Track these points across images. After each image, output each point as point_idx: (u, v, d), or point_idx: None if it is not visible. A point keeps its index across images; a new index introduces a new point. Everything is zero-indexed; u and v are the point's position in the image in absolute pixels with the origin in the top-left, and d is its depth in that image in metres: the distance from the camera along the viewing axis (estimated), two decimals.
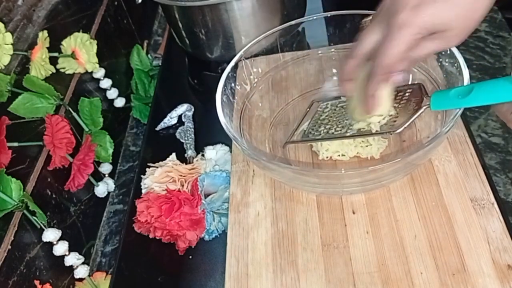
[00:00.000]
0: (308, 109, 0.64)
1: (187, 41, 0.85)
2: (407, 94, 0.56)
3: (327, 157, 0.60)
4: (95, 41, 0.73)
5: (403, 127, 0.53)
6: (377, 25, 0.45)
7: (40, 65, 0.65)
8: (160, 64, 0.92)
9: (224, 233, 0.61)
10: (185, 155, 0.71)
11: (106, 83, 0.81)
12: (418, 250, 0.50)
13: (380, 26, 0.45)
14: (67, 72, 0.72)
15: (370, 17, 0.51)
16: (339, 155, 0.59)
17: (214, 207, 0.62)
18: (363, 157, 0.58)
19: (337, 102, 0.62)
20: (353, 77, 0.50)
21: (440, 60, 0.57)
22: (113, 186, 0.77)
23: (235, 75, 0.63)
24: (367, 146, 0.58)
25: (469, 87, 0.47)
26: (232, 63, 0.62)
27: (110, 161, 0.74)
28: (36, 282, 0.57)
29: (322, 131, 0.59)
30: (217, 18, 0.77)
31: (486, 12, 0.42)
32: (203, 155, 0.70)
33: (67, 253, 0.61)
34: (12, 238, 0.54)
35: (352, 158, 0.59)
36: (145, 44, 1.00)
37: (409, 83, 0.62)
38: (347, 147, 0.59)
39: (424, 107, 0.52)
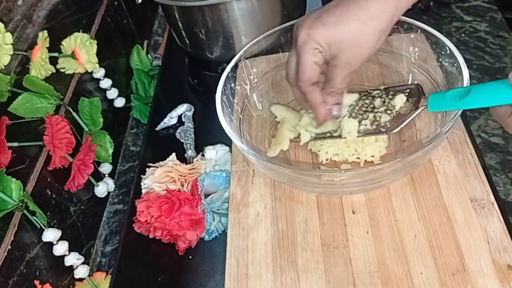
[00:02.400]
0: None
1: (187, 41, 0.85)
2: (404, 94, 0.56)
3: (327, 159, 0.60)
4: (95, 41, 0.73)
5: (399, 128, 0.53)
6: (292, 52, 0.53)
7: (40, 65, 0.65)
8: (160, 64, 0.92)
9: (224, 233, 0.61)
10: (185, 155, 0.71)
11: (106, 83, 0.81)
12: (418, 250, 0.50)
13: (293, 52, 0.52)
14: (67, 72, 0.72)
15: None
16: (339, 159, 0.59)
17: (214, 207, 0.62)
18: (362, 159, 0.58)
19: None
20: (305, 99, 0.55)
21: (440, 60, 0.57)
22: (113, 186, 0.77)
23: (235, 75, 0.63)
24: (367, 146, 0.58)
25: (466, 89, 0.47)
26: (232, 63, 0.62)
27: (110, 161, 0.74)
28: (36, 282, 0.57)
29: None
30: (217, 18, 0.77)
31: (375, 45, 0.49)
32: (203, 155, 0.70)
33: (67, 253, 0.61)
34: (12, 238, 0.54)
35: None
36: (145, 44, 1.00)
37: (409, 83, 0.62)
38: (346, 151, 0.58)
39: (421, 108, 0.52)
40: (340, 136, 0.57)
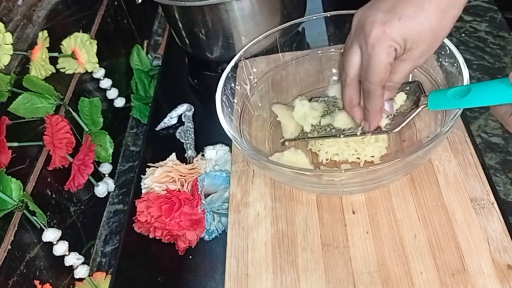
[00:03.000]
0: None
1: (187, 41, 0.85)
2: (404, 92, 0.56)
3: (327, 159, 0.59)
4: (95, 41, 0.73)
5: (400, 127, 0.53)
6: (354, 48, 0.47)
7: (40, 65, 0.65)
8: (160, 64, 0.92)
9: (224, 233, 0.61)
10: (185, 155, 0.71)
11: (106, 83, 0.81)
12: (418, 250, 0.50)
13: (356, 48, 0.47)
14: (67, 72, 0.72)
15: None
16: (339, 159, 0.59)
17: (214, 207, 0.62)
18: (362, 159, 0.58)
19: (333, 99, 0.62)
20: (357, 102, 0.51)
21: (440, 60, 0.57)
22: (113, 186, 0.77)
23: (235, 75, 0.63)
24: (367, 146, 0.58)
25: (466, 88, 0.47)
26: (232, 63, 0.62)
27: (110, 161, 0.74)
28: (36, 282, 0.57)
29: (319, 130, 0.59)
30: (217, 18, 0.77)
31: (450, 30, 0.45)
32: (203, 155, 0.70)
33: (67, 253, 0.61)
34: (12, 238, 0.54)
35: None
36: (145, 44, 1.00)
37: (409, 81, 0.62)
38: (346, 151, 0.58)
39: (421, 107, 0.52)
40: (338, 135, 0.57)
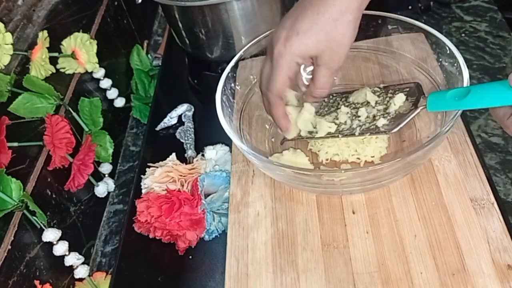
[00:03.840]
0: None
1: (187, 41, 0.85)
2: (404, 94, 0.56)
3: (327, 160, 0.59)
4: (95, 41, 0.73)
5: (399, 127, 0.53)
6: (267, 61, 0.53)
7: (40, 65, 0.65)
8: (160, 64, 0.92)
9: (224, 233, 0.61)
10: (185, 155, 0.71)
11: (106, 83, 0.81)
12: (418, 250, 0.50)
13: (268, 62, 0.53)
14: (67, 72, 0.72)
15: None
16: (339, 159, 0.59)
17: (214, 207, 0.62)
18: (362, 160, 0.58)
19: (333, 98, 0.62)
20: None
21: (440, 60, 0.57)
22: (113, 186, 0.77)
23: (235, 75, 0.63)
24: (367, 146, 0.58)
25: (466, 90, 0.47)
26: (232, 63, 0.62)
27: (110, 161, 0.74)
28: (36, 282, 0.57)
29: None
30: (217, 18, 0.77)
31: (352, 35, 0.49)
32: (203, 155, 0.70)
33: (67, 253, 0.61)
34: (12, 238, 0.54)
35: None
36: (145, 44, 1.00)
37: (408, 82, 0.62)
38: (346, 151, 0.58)
39: (420, 108, 0.52)
40: (337, 135, 0.57)
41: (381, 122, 0.54)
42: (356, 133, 0.55)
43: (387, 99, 0.57)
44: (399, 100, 0.55)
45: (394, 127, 0.53)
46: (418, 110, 0.52)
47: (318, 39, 0.48)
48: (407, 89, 0.56)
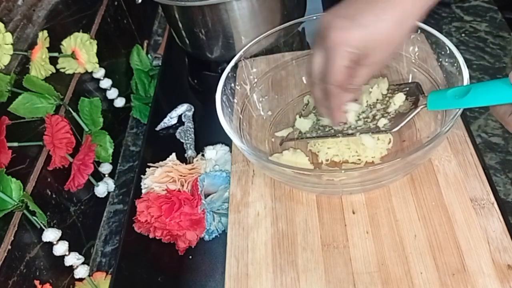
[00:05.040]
0: (304, 106, 0.64)
1: (187, 41, 0.85)
2: (403, 93, 0.56)
3: (327, 160, 0.59)
4: (95, 41, 0.73)
5: (399, 127, 0.53)
6: (318, 50, 0.51)
7: (40, 65, 0.65)
8: (160, 64, 0.92)
9: (224, 233, 0.61)
10: (185, 155, 0.71)
11: (106, 83, 0.81)
12: (418, 250, 0.50)
13: (320, 51, 0.50)
14: (67, 72, 0.72)
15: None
16: (339, 160, 0.59)
17: (214, 207, 0.62)
18: (363, 160, 0.58)
19: None
20: (324, 100, 0.54)
21: (440, 60, 0.57)
22: (113, 186, 0.77)
23: (235, 75, 0.63)
24: (367, 147, 0.58)
25: (466, 88, 0.47)
26: (232, 63, 0.62)
27: (110, 161, 0.74)
28: (36, 282, 0.57)
29: (318, 130, 0.59)
30: (217, 18, 0.77)
31: (406, 38, 0.49)
32: (203, 155, 0.70)
33: (67, 253, 0.61)
34: (12, 238, 0.54)
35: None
36: (145, 44, 1.00)
37: (407, 81, 0.62)
38: (346, 153, 0.58)
39: (421, 107, 0.52)
40: (337, 135, 0.57)
41: (382, 122, 0.54)
42: (357, 134, 0.55)
43: (387, 98, 0.57)
44: (399, 99, 0.55)
45: (395, 127, 0.53)
46: (418, 109, 0.52)
47: (379, 37, 0.47)
48: (407, 89, 0.56)
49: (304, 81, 0.68)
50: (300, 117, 0.62)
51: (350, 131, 0.56)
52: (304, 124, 0.61)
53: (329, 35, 0.47)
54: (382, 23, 0.46)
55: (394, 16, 0.46)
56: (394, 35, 0.47)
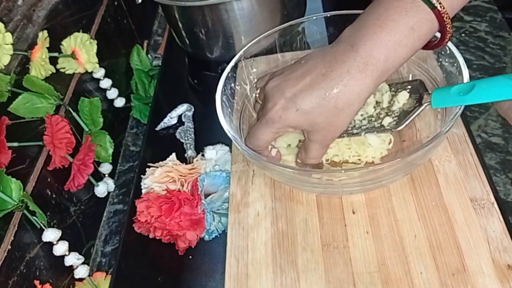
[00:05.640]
0: None
1: (187, 41, 0.85)
2: (407, 91, 0.56)
3: (327, 160, 0.59)
4: (95, 41, 0.73)
5: (404, 125, 0.52)
6: (260, 106, 0.53)
7: (40, 65, 0.65)
8: (160, 64, 0.92)
9: (224, 233, 0.61)
10: (185, 155, 0.71)
11: (106, 83, 0.81)
12: (418, 250, 0.50)
13: (260, 109, 0.52)
14: (67, 72, 0.72)
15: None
16: (339, 160, 0.59)
17: (214, 207, 0.62)
18: (363, 161, 0.58)
19: None
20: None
21: (440, 60, 0.57)
22: (113, 186, 0.77)
23: (235, 75, 0.63)
24: (368, 147, 0.58)
25: (470, 84, 0.47)
26: (232, 63, 0.62)
27: (110, 161, 0.74)
28: (36, 282, 0.57)
29: None
30: (217, 18, 0.77)
31: (350, 120, 0.48)
32: (203, 155, 0.70)
33: (67, 253, 0.61)
34: (12, 238, 0.54)
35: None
36: (145, 44, 1.00)
37: (411, 79, 0.62)
38: (347, 153, 0.58)
39: (425, 104, 0.52)
40: (342, 135, 0.56)
41: (387, 120, 0.54)
42: (362, 134, 0.55)
43: (390, 96, 0.57)
44: (403, 97, 0.55)
45: (400, 125, 0.53)
46: (423, 107, 0.52)
47: (316, 121, 0.47)
48: (410, 87, 0.56)
49: None
50: None
51: (355, 131, 0.56)
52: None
53: (270, 109, 0.49)
54: (321, 109, 0.46)
55: (335, 103, 0.46)
56: (335, 120, 0.47)
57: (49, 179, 0.63)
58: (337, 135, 0.50)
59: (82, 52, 0.72)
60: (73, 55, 0.72)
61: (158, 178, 0.65)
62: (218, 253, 0.59)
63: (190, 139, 0.74)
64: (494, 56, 0.81)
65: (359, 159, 0.58)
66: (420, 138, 0.58)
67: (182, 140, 0.74)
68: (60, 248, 0.60)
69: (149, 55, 0.95)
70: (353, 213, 0.54)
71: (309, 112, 0.47)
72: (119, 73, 0.88)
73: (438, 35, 0.47)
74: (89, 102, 0.73)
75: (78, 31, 0.73)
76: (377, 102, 0.57)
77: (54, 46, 0.69)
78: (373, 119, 0.56)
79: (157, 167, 0.67)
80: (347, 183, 0.52)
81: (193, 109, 0.79)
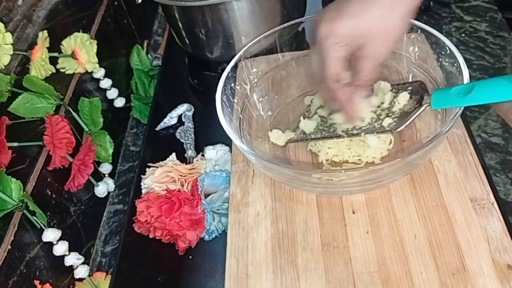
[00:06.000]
0: (308, 108, 0.64)
1: (187, 41, 0.85)
2: (407, 92, 0.56)
3: (327, 160, 0.59)
4: (95, 41, 0.73)
5: (404, 126, 0.53)
6: (314, 49, 0.50)
7: (40, 65, 0.65)
8: (160, 64, 0.92)
9: (224, 233, 0.61)
10: (185, 155, 0.71)
11: (106, 83, 0.81)
12: (418, 250, 0.50)
13: (316, 48, 0.50)
14: (67, 72, 0.72)
15: None
16: (339, 160, 0.59)
17: (214, 207, 0.62)
18: (363, 161, 0.58)
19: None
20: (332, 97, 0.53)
21: (440, 60, 0.57)
22: (113, 186, 0.77)
23: (235, 75, 0.63)
24: (368, 148, 0.58)
25: (470, 86, 0.47)
26: (232, 63, 0.62)
27: (110, 161, 0.74)
28: (36, 282, 0.57)
29: (322, 130, 0.59)
30: (217, 18, 0.77)
31: (402, 30, 0.47)
32: (203, 155, 0.70)
33: (67, 253, 0.61)
34: (12, 238, 0.54)
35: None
36: (145, 44, 1.00)
37: (411, 80, 0.62)
38: (347, 153, 0.58)
39: (425, 106, 0.52)
40: (341, 135, 0.56)
41: (387, 121, 0.54)
42: (362, 134, 0.55)
43: (391, 98, 0.57)
44: (403, 98, 0.55)
45: (400, 126, 0.53)
46: (423, 108, 0.52)
47: (368, 26, 0.46)
48: (410, 88, 0.56)
49: (304, 81, 0.68)
50: (304, 118, 0.62)
51: (355, 132, 0.56)
52: (308, 126, 0.61)
53: (318, 29, 0.47)
54: (369, 11, 0.46)
55: (383, 3, 0.46)
56: (387, 21, 0.46)
57: (49, 179, 0.63)
58: (389, 45, 0.48)
59: (82, 52, 0.72)
60: (73, 55, 0.72)
61: (158, 178, 0.65)
62: (218, 253, 0.59)
63: (190, 139, 0.74)
64: (494, 56, 0.81)
65: (359, 159, 0.58)
66: (420, 138, 0.58)
67: (182, 140, 0.74)
68: (60, 248, 0.60)
69: (149, 55, 0.95)
70: (353, 213, 0.54)
71: (358, 15, 0.46)
72: (119, 73, 0.88)
73: None
74: (89, 102, 0.73)
75: (78, 31, 0.73)
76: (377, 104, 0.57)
77: (54, 46, 0.69)
78: (374, 119, 0.56)
79: (157, 167, 0.67)
80: (347, 183, 0.52)
81: (193, 109, 0.79)
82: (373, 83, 0.52)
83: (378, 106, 0.57)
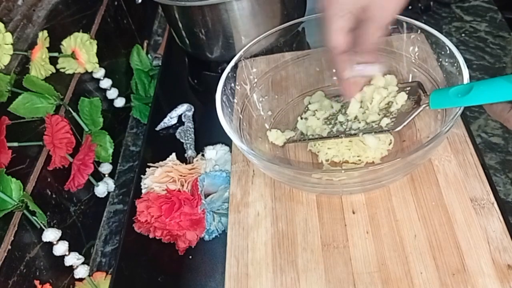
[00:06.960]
0: (306, 108, 0.64)
1: (187, 41, 0.85)
2: (405, 92, 0.56)
3: (327, 160, 0.59)
4: (95, 41, 0.73)
5: (402, 126, 0.53)
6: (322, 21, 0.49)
7: (40, 65, 0.65)
8: (160, 64, 0.92)
9: (224, 233, 0.61)
10: (185, 155, 0.71)
11: (106, 83, 0.81)
12: (418, 250, 0.50)
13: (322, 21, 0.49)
14: (67, 72, 0.72)
15: None
16: (339, 160, 0.59)
17: (214, 207, 0.62)
18: (364, 161, 0.58)
19: (334, 100, 0.62)
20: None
21: (440, 60, 0.57)
22: (113, 186, 0.77)
23: (235, 75, 0.63)
24: (368, 148, 0.58)
25: (468, 86, 0.47)
26: (232, 63, 0.62)
27: (110, 161, 0.74)
28: (36, 282, 0.57)
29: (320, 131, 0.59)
30: (217, 18, 0.77)
31: None
32: (203, 155, 0.70)
33: (67, 253, 0.61)
34: (12, 238, 0.54)
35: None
36: (145, 44, 1.00)
37: (409, 81, 0.62)
38: (347, 153, 0.58)
39: (423, 106, 0.52)
40: (340, 136, 0.57)
41: (385, 122, 0.54)
42: (360, 134, 0.55)
43: (389, 98, 0.57)
44: (401, 99, 0.55)
45: (397, 126, 0.53)
46: (421, 108, 0.52)
47: None
48: (408, 88, 0.56)
49: (304, 81, 0.68)
50: (301, 118, 0.62)
51: (353, 132, 0.56)
52: (305, 126, 0.61)
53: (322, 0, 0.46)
54: None
55: None
56: None
57: (49, 179, 0.63)
58: (392, 8, 0.47)
59: (82, 52, 0.72)
60: (73, 55, 0.72)
61: (158, 178, 0.65)
62: (218, 253, 0.59)
63: (190, 139, 0.74)
64: (494, 56, 0.81)
65: (359, 159, 0.58)
66: (420, 138, 0.58)
67: (182, 140, 0.74)
68: (60, 248, 0.60)
69: (149, 55, 0.95)
70: (353, 213, 0.54)
71: None
72: (119, 73, 0.88)
73: None
74: (89, 102, 0.73)
75: (78, 31, 0.73)
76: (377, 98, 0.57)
77: (54, 46, 0.69)
78: (372, 120, 0.56)
79: (157, 167, 0.67)
80: (347, 183, 0.52)
81: (193, 109, 0.79)
82: (377, 51, 0.51)
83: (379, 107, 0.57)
